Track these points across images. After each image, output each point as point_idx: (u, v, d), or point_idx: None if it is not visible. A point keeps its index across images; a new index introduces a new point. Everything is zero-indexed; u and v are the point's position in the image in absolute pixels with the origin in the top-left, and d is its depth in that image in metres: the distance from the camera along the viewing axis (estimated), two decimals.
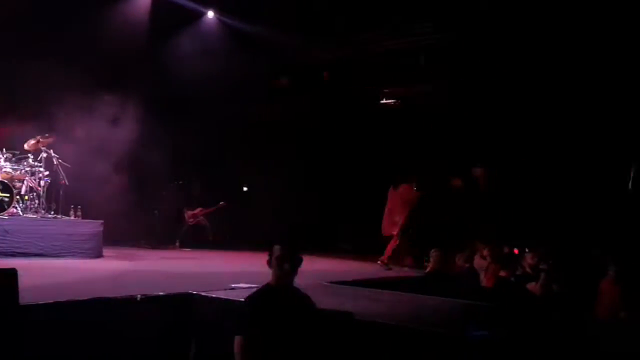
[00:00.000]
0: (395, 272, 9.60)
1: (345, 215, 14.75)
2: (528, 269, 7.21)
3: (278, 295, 3.61)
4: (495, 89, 12.34)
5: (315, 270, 9.22)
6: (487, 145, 12.49)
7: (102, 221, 9.58)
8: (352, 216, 14.55)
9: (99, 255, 9.38)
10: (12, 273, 4.47)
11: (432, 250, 8.29)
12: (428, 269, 8.39)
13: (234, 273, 7.93)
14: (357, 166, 14.41)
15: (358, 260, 11.27)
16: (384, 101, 14.13)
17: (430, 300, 6.35)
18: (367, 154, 14.26)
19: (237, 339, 3.43)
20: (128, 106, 11.67)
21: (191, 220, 12.96)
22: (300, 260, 3.75)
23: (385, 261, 10.12)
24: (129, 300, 5.29)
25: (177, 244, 12.65)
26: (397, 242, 10.35)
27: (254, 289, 3.71)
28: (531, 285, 6.85)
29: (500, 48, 11.90)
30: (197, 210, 13.04)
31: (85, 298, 5.13)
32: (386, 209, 10.71)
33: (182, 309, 5.49)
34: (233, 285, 6.25)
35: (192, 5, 12.52)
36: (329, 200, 14.91)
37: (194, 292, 5.63)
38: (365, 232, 14.21)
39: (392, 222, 10.54)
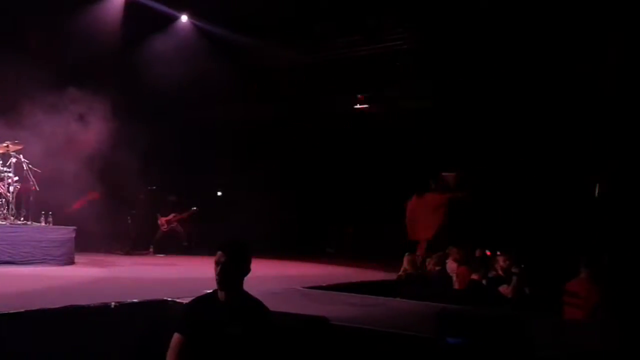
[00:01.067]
0: (370, 276, 9.65)
1: (329, 219, 14.83)
2: (500, 272, 7.31)
3: (221, 301, 3.57)
4: (468, 93, 12.54)
5: (294, 275, 9.28)
6: (460, 149, 12.69)
7: (74, 227, 9.41)
8: (336, 220, 14.65)
9: (70, 262, 9.22)
10: None
11: (405, 254, 8.38)
12: (401, 272, 8.47)
13: (208, 279, 7.85)
14: (338, 170, 14.48)
15: (342, 264, 11.31)
16: (358, 106, 14.20)
17: (403, 303, 6.42)
18: (346, 158, 14.35)
19: (174, 336, 3.49)
20: (100, 109, 11.53)
21: (164, 227, 12.83)
22: (240, 266, 3.62)
23: None
24: (103, 308, 5.23)
25: (151, 249, 12.53)
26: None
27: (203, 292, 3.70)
28: (503, 288, 6.97)
29: (475, 52, 12.12)
30: (171, 217, 12.93)
31: (57, 307, 5.06)
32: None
33: (156, 316, 5.44)
34: (207, 291, 6.21)
35: (165, 9, 12.46)
36: (311, 204, 14.96)
37: (169, 299, 5.59)
38: (350, 236, 14.38)
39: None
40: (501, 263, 7.33)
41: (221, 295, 3.56)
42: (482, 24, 11.66)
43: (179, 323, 3.58)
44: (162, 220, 12.84)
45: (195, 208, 13.20)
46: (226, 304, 3.53)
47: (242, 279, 3.65)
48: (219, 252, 3.60)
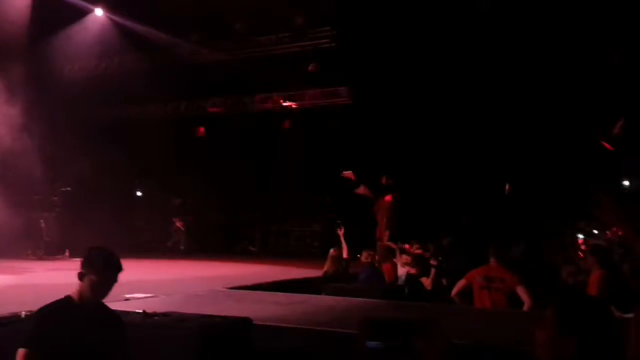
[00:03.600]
0: (296, 273, 9.70)
1: (252, 219, 14.76)
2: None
3: (74, 310, 3.24)
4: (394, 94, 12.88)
5: (218, 275, 9.16)
6: (387, 151, 13.03)
7: None
8: (259, 219, 14.61)
9: None
10: None
11: (330, 250, 8.48)
12: (325, 269, 8.57)
13: (129, 283, 7.62)
14: (261, 169, 14.44)
15: (266, 263, 11.29)
16: (285, 103, 14.20)
17: (328, 300, 6.51)
18: (269, 157, 14.33)
19: (19, 352, 3.08)
20: (5, 109, 10.86)
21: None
22: (99, 275, 3.26)
23: None
24: (12, 319, 4.93)
25: (67, 253, 11.96)
26: None
27: (52, 302, 3.32)
28: (424, 280, 7.25)
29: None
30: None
31: None
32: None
33: None
34: (128, 296, 6.03)
35: (79, 2, 11.91)
36: (234, 204, 14.85)
37: None
38: (273, 235, 14.40)
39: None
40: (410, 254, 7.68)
41: (80, 304, 3.25)
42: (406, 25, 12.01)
43: (29, 337, 3.13)
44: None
45: None
46: (83, 314, 3.23)
47: None
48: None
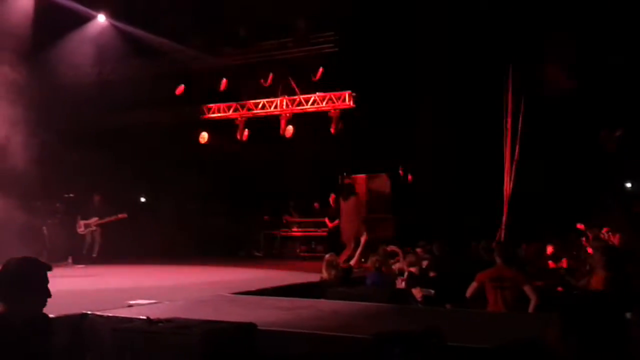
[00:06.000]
0: (299, 278, 9.64)
1: (256, 223, 14.74)
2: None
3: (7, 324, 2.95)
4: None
5: (222, 280, 9.12)
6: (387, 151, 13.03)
7: None
8: (263, 224, 14.59)
9: None
10: None
11: (326, 256, 8.44)
12: (321, 276, 8.50)
13: (131, 289, 7.62)
14: (265, 175, 14.43)
15: (270, 267, 11.24)
16: (289, 108, 14.18)
17: (332, 304, 6.45)
18: (272, 162, 14.33)
19: None
20: (12, 118, 10.85)
21: (82, 229, 12.23)
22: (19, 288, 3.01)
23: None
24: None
25: (70, 260, 11.95)
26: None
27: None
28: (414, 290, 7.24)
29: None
30: (92, 220, 12.32)
31: None
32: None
33: (75, 331, 5.17)
34: (130, 302, 6.00)
35: (81, 8, 11.92)
36: (238, 209, 14.84)
37: (88, 312, 5.33)
38: (278, 240, 14.38)
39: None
40: (410, 258, 7.66)
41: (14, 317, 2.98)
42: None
43: None
44: (80, 223, 12.21)
45: (122, 214, 12.53)
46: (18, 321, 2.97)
47: None
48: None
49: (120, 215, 12.41)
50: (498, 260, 6.37)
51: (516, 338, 4.09)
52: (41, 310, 3.04)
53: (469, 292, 6.45)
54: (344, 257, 10.13)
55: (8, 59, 10.26)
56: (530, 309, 6.03)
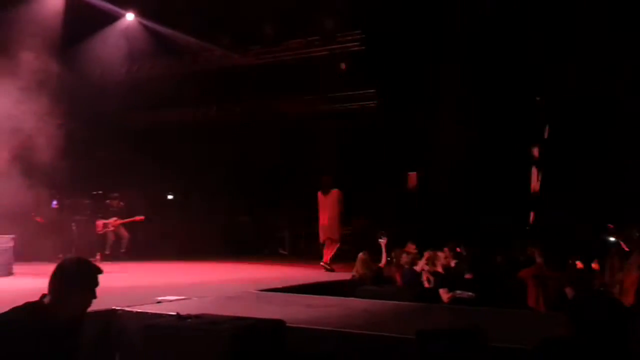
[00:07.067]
0: (325, 276, 9.58)
1: (282, 221, 14.74)
2: (440, 268, 7.46)
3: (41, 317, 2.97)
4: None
5: (248, 277, 9.11)
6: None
7: (12, 236, 8.95)
8: (288, 221, 14.57)
9: (8, 272, 8.77)
10: None
11: (359, 254, 8.37)
12: (354, 273, 8.45)
13: (159, 285, 7.65)
14: (290, 172, 14.41)
15: (295, 265, 11.21)
16: (315, 106, 14.13)
17: (360, 302, 6.39)
18: (298, 160, 14.29)
19: None
20: (43, 114, 11.00)
21: (100, 229, 12.35)
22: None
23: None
24: None
25: (98, 257, 12.06)
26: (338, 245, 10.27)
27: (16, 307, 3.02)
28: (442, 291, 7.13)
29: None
30: (111, 220, 12.44)
31: None
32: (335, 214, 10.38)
33: (105, 326, 5.19)
34: (160, 299, 6.01)
35: (110, 6, 12.04)
36: (263, 206, 14.84)
37: (118, 308, 5.35)
38: (304, 237, 14.34)
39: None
40: (442, 260, 7.48)
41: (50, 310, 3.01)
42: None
43: None
44: (99, 223, 12.34)
45: (141, 216, 12.64)
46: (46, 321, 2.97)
47: None
48: None
49: (137, 217, 12.51)
50: (539, 259, 6.37)
51: (556, 338, 3.96)
52: (85, 310, 3.14)
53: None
54: (327, 256, 10.03)
55: (39, 53, 10.41)
56: None
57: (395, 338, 4.25)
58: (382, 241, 8.82)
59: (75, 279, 3.08)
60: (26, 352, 2.85)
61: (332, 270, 9.83)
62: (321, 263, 10.02)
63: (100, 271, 3.18)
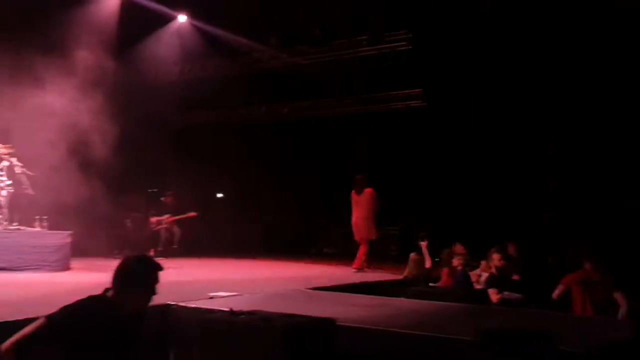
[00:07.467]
0: (374, 275, 9.55)
1: (328, 219, 14.76)
2: (494, 270, 7.30)
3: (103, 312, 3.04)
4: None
5: (297, 276, 9.18)
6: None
7: (70, 232, 9.18)
8: (335, 220, 14.58)
9: (66, 268, 8.98)
10: None
11: (411, 254, 8.32)
12: (406, 273, 8.41)
13: (211, 281, 7.78)
14: (338, 171, 14.44)
15: (342, 264, 11.22)
16: (362, 106, 14.08)
17: (410, 303, 6.34)
18: (344, 159, 14.30)
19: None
20: (99, 112, 11.36)
21: (154, 226, 12.65)
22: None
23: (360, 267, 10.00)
24: None
25: (152, 253, 12.36)
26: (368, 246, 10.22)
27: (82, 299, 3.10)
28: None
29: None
30: (164, 217, 12.71)
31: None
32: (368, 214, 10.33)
33: (159, 321, 5.31)
34: (212, 294, 6.11)
35: (163, 8, 12.34)
36: (310, 204, 14.90)
37: (172, 303, 5.47)
38: (348, 236, 14.33)
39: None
40: (496, 262, 7.30)
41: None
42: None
43: (54, 335, 2.92)
44: (152, 219, 12.64)
45: (193, 213, 12.90)
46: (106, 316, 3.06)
47: None
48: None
49: (190, 214, 12.75)
50: (587, 264, 6.24)
51: (610, 342, 3.83)
52: (146, 305, 3.23)
53: (555, 294, 6.30)
54: (359, 260, 9.87)
55: (95, 53, 10.75)
56: (620, 315, 5.79)
57: (451, 339, 4.20)
58: (423, 244, 8.68)
59: (138, 277, 3.17)
60: (98, 340, 2.96)
61: (362, 270, 9.77)
62: (352, 270, 9.84)
63: (161, 268, 3.26)
